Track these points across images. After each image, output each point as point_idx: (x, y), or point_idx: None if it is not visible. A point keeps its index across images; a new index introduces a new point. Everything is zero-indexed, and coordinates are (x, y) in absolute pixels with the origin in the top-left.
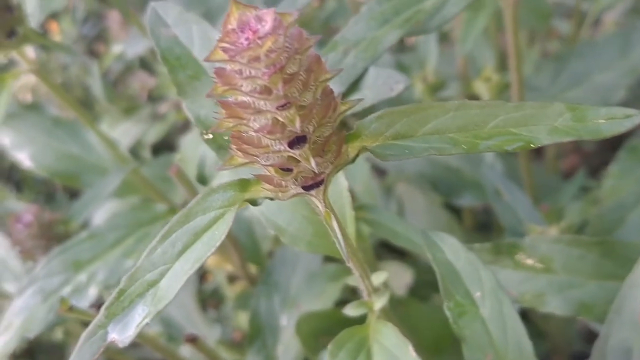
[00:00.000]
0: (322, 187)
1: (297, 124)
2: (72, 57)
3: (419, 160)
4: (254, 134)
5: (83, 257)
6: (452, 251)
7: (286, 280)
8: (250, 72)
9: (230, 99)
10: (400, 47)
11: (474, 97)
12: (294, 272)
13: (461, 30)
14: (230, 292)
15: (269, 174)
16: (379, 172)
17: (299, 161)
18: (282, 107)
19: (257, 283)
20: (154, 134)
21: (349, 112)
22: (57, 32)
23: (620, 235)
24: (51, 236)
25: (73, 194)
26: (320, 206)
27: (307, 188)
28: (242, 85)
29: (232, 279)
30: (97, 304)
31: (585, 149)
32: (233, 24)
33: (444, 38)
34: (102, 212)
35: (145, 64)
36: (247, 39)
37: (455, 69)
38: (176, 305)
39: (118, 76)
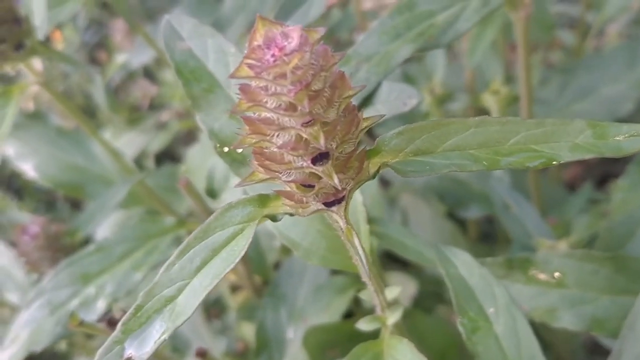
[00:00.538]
0: (343, 204)
1: (322, 140)
2: (74, 66)
3: None
4: (276, 150)
5: (91, 269)
6: (465, 267)
7: (293, 293)
8: (275, 89)
9: (253, 115)
10: (407, 58)
11: (482, 110)
12: (301, 284)
13: (469, 43)
14: (233, 302)
15: (289, 189)
16: (383, 182)
17: (320, 177)
18: (307, 123)
19: (261, 294)
20: (157, 143)
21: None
22: (60, 40)
23: (630, 249)
24: (57, 248)
25: (74, 202)
26: (342, 222)
27: (328, 204)
28: (267, 102)
29: (234, 288)
30: (106, 318)
31: (588, 160)
32: (259, 40)
33: (450, 50)
34: (106, 223)
35: (147, 71)
36: (273, 55)
37: (462, 81)
38: None
39: (120, 84)
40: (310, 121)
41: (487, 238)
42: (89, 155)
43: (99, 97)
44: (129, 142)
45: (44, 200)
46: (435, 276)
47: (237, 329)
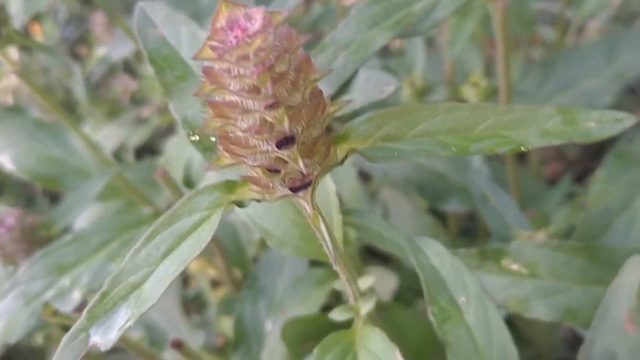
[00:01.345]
0: (309, 189)
1: (286, 124)
2: (54, 60)
3: (405, 165)
4: (241, 134)
5: (67, 260)
6: (437, 256)
7: (272, 285)
8: (238, 71)
9: (218, 99)
10: (387, 52)
11: (462, 102)
12: (280, 277)
13: (450, 35)
14: (213, 297)
15: (256, 175)
16: (364, 176)
17: (286, 162)
18: (271, 106)
19: (241, 288)
20: (137, 137)
21: (338, 115)
22: (39, 35)
23: (607, 240)
24: (33, 240)
25: (53, 197)
26: (308, 208)
27: (294, 190)
28: (230, 84)
29: (215, 284)
30: (82, 308)
31: (568, 156)
32: (222, 22)
33: (430, 43)
34: (84, 216)
35: (128, 67)
36: (236, 37)
37: (442, 75)
38: (159, 309)
39: (100, 79)
40: (274, 104)
41: (468, 233)
42: (68, 148)
43: (79, 90)
44: (108, 135)
45: (23, 195)
46: (415, 271)
47: (216, 323)
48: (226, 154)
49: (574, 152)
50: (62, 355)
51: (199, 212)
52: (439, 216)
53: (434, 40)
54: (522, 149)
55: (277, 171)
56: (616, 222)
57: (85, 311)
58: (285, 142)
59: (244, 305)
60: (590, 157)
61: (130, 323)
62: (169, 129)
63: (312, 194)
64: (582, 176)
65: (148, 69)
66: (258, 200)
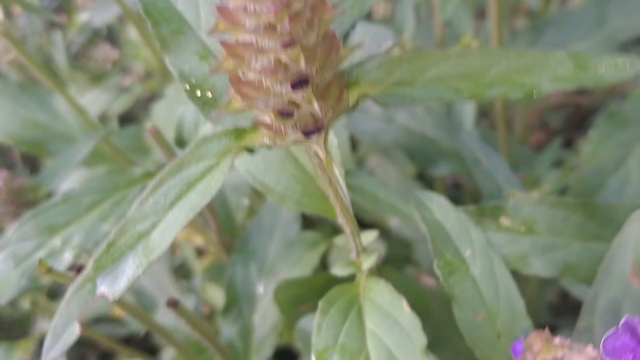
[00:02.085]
0: (322, 133)
1: (302, 63)
2: (33, 30)
3: (394, 130)
4: (255, 76)
5: (57, 221)
6: (441, 210)
7: (263, 249)
8: (255, 8)
9: (231, 39)
10: (372, 19)
11: None
12: (271, 240)
13: None
14: (198, 266)
15: (268, 120)
16: (351, 144)
17: (299, 106)
18: (287, 45)
19: (230, 253)
20: (119, 105)
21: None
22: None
23: (601, 198)
24: (20, 203)
25: (33, 166)
26: (321, 153)
27: (307, 134)
28: (245, 22)
29: (200, 253)
30: (76, 266)
31: (551, 126)
32: None
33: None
34: (69, 181)
35: (109, 36)
36: None
37: (432, 40)
38: (148, 275)
39: (80, 49)
40: (291, 42)
41: (454, 201)
42: (52, 112)
43: (60, 58)
44: (92, 100)
45: (2, 164)
46: (402, 239)
47: (202, 292)
48: (237, 97)
49: (557, 122)
50: (68, 307)
51: (208, 159)
52: (426, 184)
53: (423, 5)
54: (535, 94)
55: (290, 115)
56: (610, 181)
57: (91, 261)
58: (299, 83)
59: (235, 269)
60: (573, 127)
61: (140, 272)
62: (150, 99)
63: (325, 138)
64: (566, 145)
65: (131, 33)
66: (268, 147)
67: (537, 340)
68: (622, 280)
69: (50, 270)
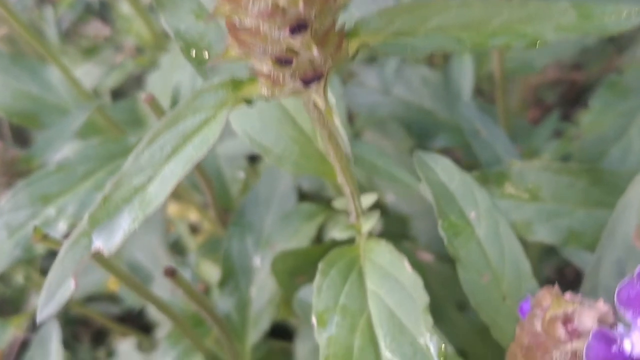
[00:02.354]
0: (322, 82)
1: (301, 5)
2: (24, 5)
3: (391, 102)
4: (252, 22)
5: (51, 190)
6: (445, 172)
7: (259, 221)
8: None
9: None
10: None
11: None
12: (268, 212)
13: None
14: (193, 243)
15: (265, 69)
16: (347, 118)
17: (298, 53)
18: None
19: (226, 226)
20: (111, 81)
21: None
22: None
23: (603, 167)
24: (14, 173)
25: (23, 140)
26: (321, 102)
27: (306, 82)
28: None
29: (194, 230)
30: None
31: (546, 102)
32: None
33: None
34: (62, 154)
35: (101, 12)
36: None
37: None
38: (143, 248)
39: (71, 26)
40: None
41: None
42: (45, 84)
43: (51, 33)
44: (85, 74)
45: None
46: (399, 215)
47: (197, 269)
48: (234, 45)
49: (552, 98)
50: (62, 262)
51: (204, 112)
52: None
53: None
54: (538, 43)
55: (288, 62)
56: (611, 151)
57: (86, 215)
58: (298, 28)
59: (231, 242)
60: (569, 103)
61: (135, 225)
62: (140, 77)
63: (325, 87)
64: (562, 121)
65: (123, 7)
66: (267, 99)
67: (546, 296)
68: (626, 242)
69: (45, 238)
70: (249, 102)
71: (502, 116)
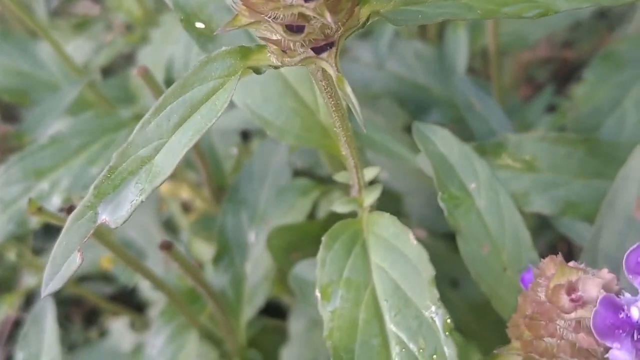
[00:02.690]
0: (333, 50)
1: None
2: None
3: (385, 77)
4: None
5: (44, 164)
6: (444, 143)
7: (254, 197)
8: None
9: None
10: None
11: None
12: (262, 188)
13: None
14: (185, 221)
15: (275, 37)
16: None
17: (310, 19)
18: None
19: (220, 203)
20: (102, 59)
21: None
22: None
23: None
24: (5, 149)
25: (13, 118)
26: (332, 71)
27: (317, 50)
28: None
29: (186, 209)
30: (66, 207)
31: (538, 80)
32: None
33: None
34: (54, 129)
35: None
36: None
37: None
38: (136, 226)
39: (60, 5)
40: None
41: None
42: (35, 61)
43: (40, 11)
44: (76, 49)
45: None
46: (392, 192)
47: (189, 248)
48: (245, 11)
49: (543, 76)
50: (68, 235)
51: (212, 80)
52: None
53: None
54: (550, 12)
55: (300, 29)
56: (606, 122)
57: (91, 187)
58: None
59: (225, 218)
60: (559, 81)
61: (142, 198)
62: (131, 55)
63: (336, 55)
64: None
65: None
66: (275, 67)
67: (550, 265)
68: (627, 213)
69: (40, 210)
70: (257, 71)
71: (497, 92)
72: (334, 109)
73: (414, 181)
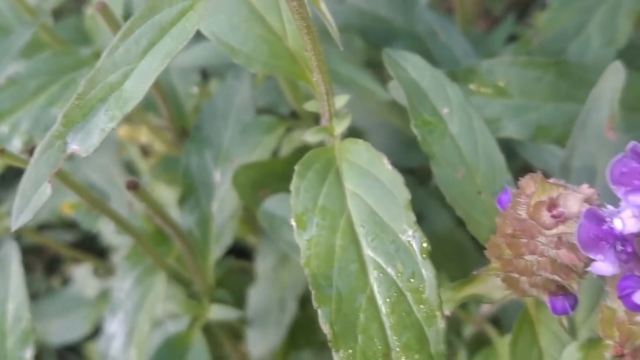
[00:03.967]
0: None
1: None
2: None
3: (346, 10)
4: None
5: (3, 107)
6: (416, 69)
7: (218, 135)
8: None
9: None
10: None
11: None
12: (226, 126)
13: None
14: (145, 165)
15: None
16: None
17: None
18: None
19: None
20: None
21: None
22: None
23: None
24: None
25: None
26: None
27: None
28: None
29: (145, 152)
30: (29, 148)
31: (493, 13)
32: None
33: None
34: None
35: None
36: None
37: None
38: (97, 169)
39: None
40: None
41: None
42: None
43: None
44: None
45: None
46: (354, 129)
47: (151, 192)
48: None
49: (500, 9)
50: (36, 167)
51: (182, 2)
52: (375, 70)
53: None
54: None
55: None
56: (571, 47)
57: (60, 116)
58: None
59: (189, 158)
60: (516, 14)
61: (113, 124)
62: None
63: None
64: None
65: None
66: None
67: (530, 183)
68: (598, 134)
69: (2, 152)
70: None
71: (459, 24)
72: (305, 31)
73: (376, 118)
